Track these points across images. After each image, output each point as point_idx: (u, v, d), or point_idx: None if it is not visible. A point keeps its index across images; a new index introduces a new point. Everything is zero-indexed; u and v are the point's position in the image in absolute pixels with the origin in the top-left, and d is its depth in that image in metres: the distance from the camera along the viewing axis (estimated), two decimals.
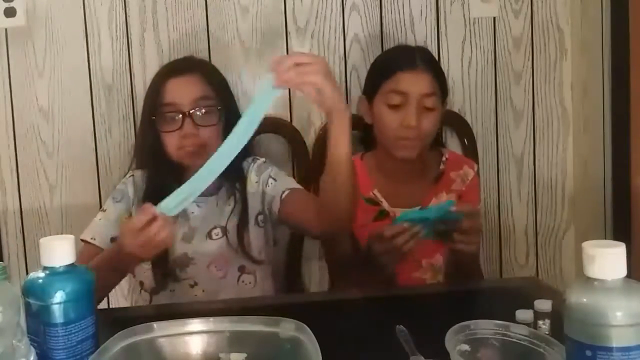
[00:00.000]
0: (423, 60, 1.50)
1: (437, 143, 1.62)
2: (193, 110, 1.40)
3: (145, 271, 1.46)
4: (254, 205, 1.48)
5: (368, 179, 1.55)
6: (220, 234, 1.46)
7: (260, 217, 1.49)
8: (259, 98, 1.13)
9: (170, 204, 1.11)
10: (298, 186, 1.46)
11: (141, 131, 1.52)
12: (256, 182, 1.48)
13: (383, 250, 1.27)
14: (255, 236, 1.48)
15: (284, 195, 1.42)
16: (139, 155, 1.53)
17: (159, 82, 1.45)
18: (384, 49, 1.79)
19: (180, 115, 1.39)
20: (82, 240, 1.41)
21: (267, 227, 1.51)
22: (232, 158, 1.11)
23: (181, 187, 1.12)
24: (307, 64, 1.13)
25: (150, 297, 1.50)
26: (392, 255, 1.27)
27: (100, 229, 1.42)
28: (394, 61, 1.52)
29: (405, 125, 1.45)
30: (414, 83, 1.46)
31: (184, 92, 1.41)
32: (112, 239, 1.41)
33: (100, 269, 1.18)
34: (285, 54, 1.77)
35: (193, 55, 1.63)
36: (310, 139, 1.76)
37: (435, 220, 1.26)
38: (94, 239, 1.40)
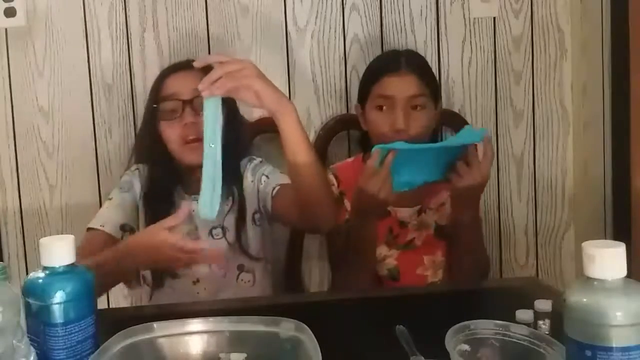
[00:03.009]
0: (408, 62, 1.51)
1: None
2: (193, 99, 1.40)
3: None
4: (250, 204, 1.49)
5: None
6: (220, 234, 1.47)
7: (257, 216, 1.50)
8: (211, 116, 1.17)
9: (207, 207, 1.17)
10: (289, 181, 1.47)
11: (142, 130, 1.54)
12: (251, 181, 1.49)
13: (377, 185, 1.28)
14: (253, 234, 1.49)
15: (274, 192, 1.44)
16: (138, 152, 1.54)
17: (160, 80, 1.48)
18: (384, 49, 1.79)
19: (181, 105, 1.40)
20: (89, 228, 1.40)
21: (264, 225, 1.52)
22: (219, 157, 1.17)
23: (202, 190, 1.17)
24: (237, 70, 1.16)
25: (152, 292, 1.51)
26: (383, 190, 1.28)
27: (109, 216, 1.43)
28: (380, 66, 1.54)
29: (394, 129, 1.45)
30: (399, 86, 1.47)
31: (183, 83, 1.43)
32: (122, 226, 1.42)
33: (106, 264, 1.19)
34: (285, 54, 1.77)
35: (192, 59, 1.63)
36: (310, 139, 1.75)
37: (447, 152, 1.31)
38: (103, 226, 1.40)
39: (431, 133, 1.56)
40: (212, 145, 1.16)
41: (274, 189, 1.44)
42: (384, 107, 1.48)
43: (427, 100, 1.50)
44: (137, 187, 1.48)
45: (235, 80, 1.16)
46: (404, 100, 1.46)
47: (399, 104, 1.46)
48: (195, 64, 1.22)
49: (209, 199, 1.16)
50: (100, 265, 1.17)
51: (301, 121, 1.24)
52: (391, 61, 1.53)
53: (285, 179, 1.46)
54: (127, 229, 1.43)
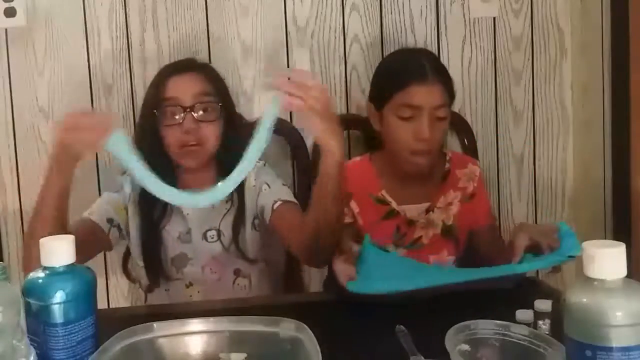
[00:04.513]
0: (433, 69, 1.46)
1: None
2: (194, 105, 1.40)
3: (141, 269, 1.47)
4: (251, 209, 1.47)
5: (376, 180, 1.54)
6: (215, 237, 1.46)
7: (257, 221, 1.48)
8: (266, 119, 1.14)
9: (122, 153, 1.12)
10: (291, 198, 1.45)
11: (140, 128, 1.52)
12: (254, 185, 1.47)
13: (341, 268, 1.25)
14: (252, 239, 1.48)
15: (275, 206, 1.41)
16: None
17: (161, 80, 1.45)
18: (384, 50, 1.79)
19: (182, 111, 1.40)
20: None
21: (263, 231, 1.50)
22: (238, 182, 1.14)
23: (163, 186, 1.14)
24: (311, 97, 1.13)
25: (145, 296, 1.52)
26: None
27: (98, 209, 1.43)
28: (405, 72, 1.47)
29: (418, 138, 1.43)
30: (426, 96, 1.43)
31: (185, 87, 1.42)
32: (109, 220, 1.42)
33: (43, 193, 1.20)
34: (285, 54, 1.77)
35: (194, 57, 1.63)
36: (310, 139, 1.75)
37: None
38: (91, 214, 1.41)
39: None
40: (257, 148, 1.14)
41: (275, 202, 1.42)
42: (408, 116, 1.43)
43: (447, 110, 1.47)
44: (128, 190, 1.47)
45: (294, 108, 1.15)
46: (429, 110, 1.43)
47: (425, 114, 1.42)
48: (274, 80, 1.19)
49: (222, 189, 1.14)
50: (42, 197, 1.19)
51: (344, 161, 1.22)
52: (416, 67, 1.46)
53: (288, 194, 1.45)
54: (114, 223, 1.43)
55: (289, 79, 1.15)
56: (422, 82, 1.44)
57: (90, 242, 1.37)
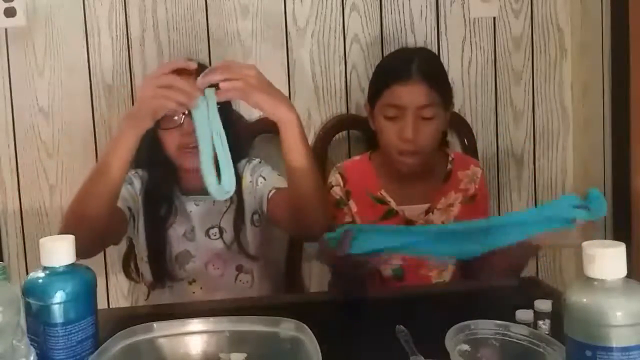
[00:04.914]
0: (419, 69, 1.44)
1: (443, 144, 1.61)
2: None
3: (145, 265, 1.48)
4: (249, 205, 1.48)
5: (376, 179, 1.54)
6: (218, 234, 1.47)
7: (256, 217, 1.49)
8: (213, 106, 1.16)
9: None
10: (286, 185, 1.46)
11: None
12: (250, 181, 1.48)
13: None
14: (252, 235, 1.49)
15: (270, 194, 1.42)
16: (137, 157, 1.52)
17: None
18: (384, 49, 1.80)
19: (182, 114, 1.39)
20: None
21: (263, 226, 1.52)
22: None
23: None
24: (237, 80, 1.14)
25: (149, 291, 1.53)
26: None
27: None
28: (391, 71, 1.48)
29: (401, 139, 1.43)
30: (409, 96, 1.43)
31: None
32: (129, 208, 1.41)
33: (91, 178, 1.23)
34: (285, 54, 1.77)
35: (191, 58, 1.62)
36: (310, 139, 1.75)
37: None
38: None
39: (441, 136, 1.54)
40: (218, 135, 1.16)
41: (270, 191, 1.42)
42: (393, 116, 1.44)
43: (436, 110, 1.45)
44: (138, 185, 1.48)
45: (234, 92, 1.15)
46: (413, 110, 1.42)
47: (409, 114, 1.42)
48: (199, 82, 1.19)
49: (228, 180, 1.16)
50: (97, 175, 1.22)
51: (302, 125, 1.21)
52: (402, 67, 1.46)
53: (283, 182, 1.44)
54: (132, 213, 1.43)
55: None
56: (405, 82, 1.43)
57: (117, 226, 1.37)
